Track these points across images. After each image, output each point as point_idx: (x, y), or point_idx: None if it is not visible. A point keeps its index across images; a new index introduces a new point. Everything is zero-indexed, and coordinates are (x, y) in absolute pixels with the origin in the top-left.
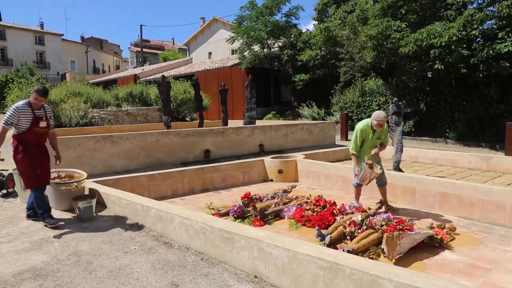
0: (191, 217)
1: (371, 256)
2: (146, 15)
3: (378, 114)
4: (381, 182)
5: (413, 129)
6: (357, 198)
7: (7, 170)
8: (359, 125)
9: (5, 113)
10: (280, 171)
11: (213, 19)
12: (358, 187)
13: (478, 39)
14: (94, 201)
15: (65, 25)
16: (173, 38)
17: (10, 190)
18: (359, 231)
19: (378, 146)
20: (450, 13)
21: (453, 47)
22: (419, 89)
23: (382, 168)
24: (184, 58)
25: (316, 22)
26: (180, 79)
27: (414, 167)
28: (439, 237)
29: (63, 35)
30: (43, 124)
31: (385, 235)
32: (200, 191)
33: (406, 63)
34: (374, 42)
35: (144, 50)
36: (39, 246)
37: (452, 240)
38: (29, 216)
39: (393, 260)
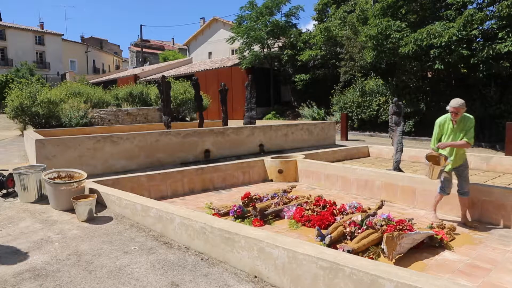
0: (191, 217)
1: (371, 256)
2: (146, 15)
3: (453, 100)
4: (460, 191)
5: (413, 129)
6: (434, 206)
7: (7, 170)
8: (438, 119)
9: (5, 113)
10: (280, 171)
11: (213, 19)
12: (440, 194)
13: (478, 39)
14: (94, 201)
15: (65, 25)
16: (173, 38)
17: (10, 190)
18: (359, 231)
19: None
20: (450, 13)
21: (453, 47)
22: (419, 89)
23: (464, 176)
24: (184, 58)
25: (316, 22)
26: (180, 79)
27: (414, 167)
28: (439, 237)
29: (63, 35)
30: None
31: (385, 235)
32: (200, 191)
33: (406, 63)
34: (374, 42)
35: (144, 50)
36: (39, 246)
37: (452, 240)
38: None
39: (393, 260)
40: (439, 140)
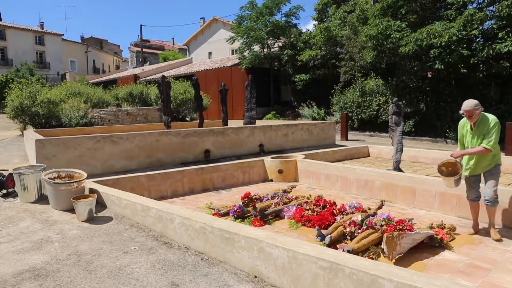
0: (191, 217)
1: (371, 256)
2: (146, 15)
3: (465, 102)
4: (484, 198)
5: (413, 129)
6: (473, 217)
7: (7, 170)
8: (460, 121)
9: (5, 113)
10: (280, 171)
11: (213, 19)
12: (471, 202)
13: (478, 39)
14: (94, 201)
15: (65, 25)
16: (173, 38)
17: (10, 190)
18: (359, 231)
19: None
20: (450, 13)
21: (453, 47)
22: (419, 89)
23: (490, 183)
24: (184, 58)
25: (316, 22)
26: (180, 79)
27: (414, 167)
28: (439, 237)
29: (63, 35)
30: None
31: (385, 235)
32: (200, 191)
33: (406, 63)
34: (374, 42)
35: (144, 50)
36: (39, 246)
37: (452, 240)
38: None
39: (393, 260)
40: (463, 144)
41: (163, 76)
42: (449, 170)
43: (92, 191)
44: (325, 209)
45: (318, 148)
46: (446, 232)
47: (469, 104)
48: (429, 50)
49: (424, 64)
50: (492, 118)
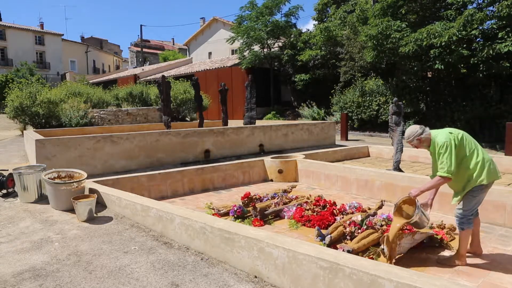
0: (191, 217)
1: (371, 256)
2: (146, 15)
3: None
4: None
5: None
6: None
7: (7, 170)
8: None
9: (5, 113)
10: (280, 171)
11: (213, 19)
12: (463, 231)
13: (478, 39)
14: (94, 201)
15: (65, 25)
16: (173, 38)
17: (10, 190)
18: (359, 231)
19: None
20: (450, 13)
21: (453, 47)
22: (419, 89)
23: (464, 199)
24: (184, 58)
25: (316, 22)
26: (180, 79)
27: (414, 167)
28: (439, 237)
29: (63, 35)
30: None
31: (385, 235)
32: (200, 191)
33: (406, 63)
34: (374, 42)
35: (144, 50)
36: (39, 246)
37: (452, 240)
38: None
39: (393, 260)
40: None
41: (163, 76)
42: (410, 208)
43: (92, 191)
44: (325, 209)
45: (318, 148)
46: (446, 232)
47: (405, 136)
48: (429, 50)
49: (424, 64)
50: (438, 140)
